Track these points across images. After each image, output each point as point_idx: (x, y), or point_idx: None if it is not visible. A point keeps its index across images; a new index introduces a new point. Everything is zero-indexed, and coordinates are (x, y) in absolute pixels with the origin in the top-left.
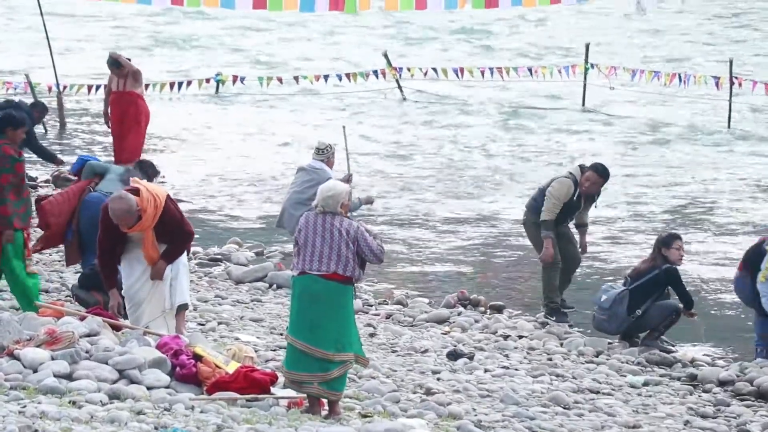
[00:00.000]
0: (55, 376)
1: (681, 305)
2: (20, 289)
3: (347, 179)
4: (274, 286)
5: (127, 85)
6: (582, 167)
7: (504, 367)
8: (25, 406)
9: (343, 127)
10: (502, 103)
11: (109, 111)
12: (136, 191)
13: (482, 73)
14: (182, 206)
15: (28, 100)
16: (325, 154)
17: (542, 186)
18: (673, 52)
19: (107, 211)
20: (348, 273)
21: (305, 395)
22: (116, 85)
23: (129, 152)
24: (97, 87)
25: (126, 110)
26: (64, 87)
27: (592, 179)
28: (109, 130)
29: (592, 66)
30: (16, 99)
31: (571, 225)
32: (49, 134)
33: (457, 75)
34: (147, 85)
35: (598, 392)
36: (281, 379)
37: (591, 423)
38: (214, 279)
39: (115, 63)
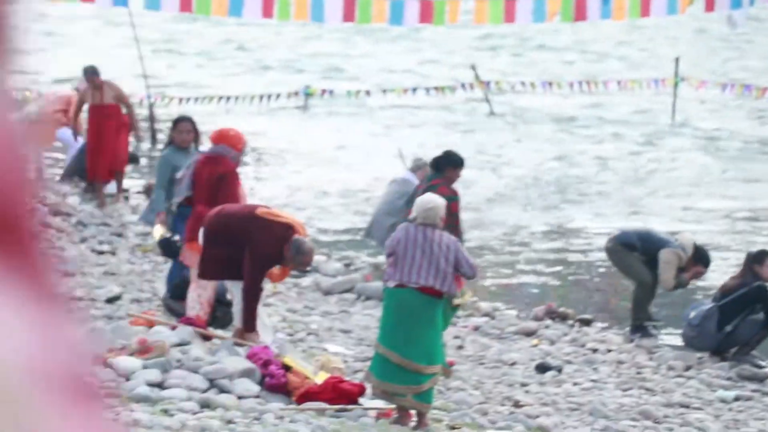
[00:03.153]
0: (147, 384)
1: None
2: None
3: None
4: (363, 297)
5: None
6: (683, 243)
7: (592, 380)
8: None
9: (399, 149)
10: (590, 115)
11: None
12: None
13: (570, 85)
14: None
15: None
16: (416, 164)
17: (647, 233)
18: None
19: (300, 249)
20: (445, 288)
21: (394, 406)
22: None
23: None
24: (188, 99)
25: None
26: (155, 99)
27: (697, 270)
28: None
29: (682, 79)
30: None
31: None
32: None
33: (545, 88)
34: (236, 98)
35: (688, 407)
36: (369, 390)
37: None
38: (302, 290)
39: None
